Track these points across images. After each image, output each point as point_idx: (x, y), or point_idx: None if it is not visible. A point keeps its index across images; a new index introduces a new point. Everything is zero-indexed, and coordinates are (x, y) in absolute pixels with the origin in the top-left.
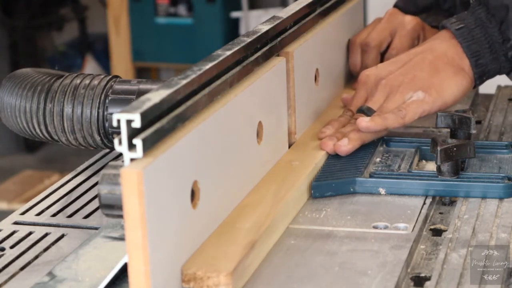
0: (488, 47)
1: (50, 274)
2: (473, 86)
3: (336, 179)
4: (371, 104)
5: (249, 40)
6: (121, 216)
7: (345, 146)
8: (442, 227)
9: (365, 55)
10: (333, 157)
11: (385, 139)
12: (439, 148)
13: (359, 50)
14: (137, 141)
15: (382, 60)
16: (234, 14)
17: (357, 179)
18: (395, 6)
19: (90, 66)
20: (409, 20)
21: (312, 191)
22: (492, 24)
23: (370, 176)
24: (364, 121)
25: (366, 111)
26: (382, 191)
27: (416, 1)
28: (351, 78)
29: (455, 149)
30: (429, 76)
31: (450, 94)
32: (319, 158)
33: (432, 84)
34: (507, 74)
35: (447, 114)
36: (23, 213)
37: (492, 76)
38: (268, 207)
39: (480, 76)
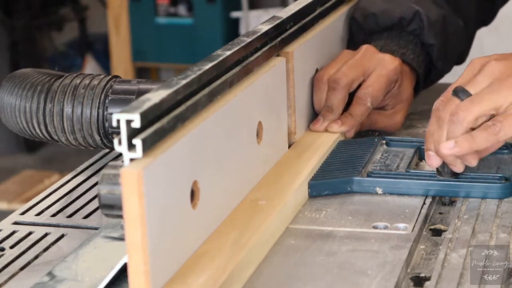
0: None
1: (50, 274)
2: None
3: (333, 178)
4: (470, 87)
5: (249, 40)
6: (121, 216)
7: (451, 149)
8: (442, 227)
9: (332, 93)
10: (331, 156)
11: (385, 138)
12: None
13: (325, 87)
14: (137, 141)
15: (350, 100)
16: (234, 14)
17: (354, 178)
18: (353, 18)
19: (90, 66)
20: (390, 60)
21: (309, 190)
22: None
23: (368, 176)
24: (447, 148)
25: (460, 94)
26: (379, 190)
27: (377, 19)
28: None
29: None
30: None
31: None
32: (290, 195)
33: None
34: None
35: None
36: (23, 213)
37: None
38: (226, 258)
39: None
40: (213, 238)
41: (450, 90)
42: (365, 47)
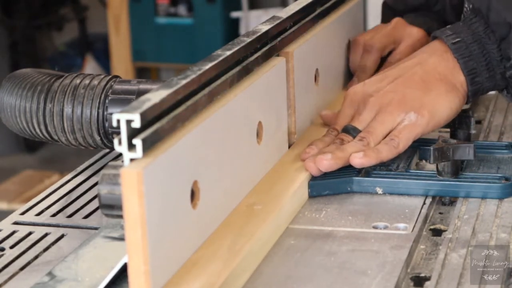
0: (485, 64)
1: (50, 274)
2: (465, 103)
3: (333, 178)
4: (358, 123)
5: (249, 40)
6: (121, 216)
7: (327, 160)
8: (442, 227)
9: (367, 55)
10: None
11: None
12: (432, 148)
13: (361, 50)
14: (137, 141)
15: (381, 65)
16: (234, 14)
17: (354, 178)
18: (384, 3)
19: (90, 66)
20: (417, 32)
21: (309, 190)
22: (491, 40)
23: (368, 176)
24: (357, 158)
25: (352, 131)
26: (379, 190)
27: (406, 1)
28: (350, 78)
29: (451, 149)
30: (421, 95)
31: (442, 113)
32: (285, 200)
33: (424, 104)
34: (500, 91)
35: None
36: (23, 213)
37: (485, 93)
38: (220, 265)
39: (474, 94)
40: (208, 243)
41: (339, 124)
42: (396, 20)
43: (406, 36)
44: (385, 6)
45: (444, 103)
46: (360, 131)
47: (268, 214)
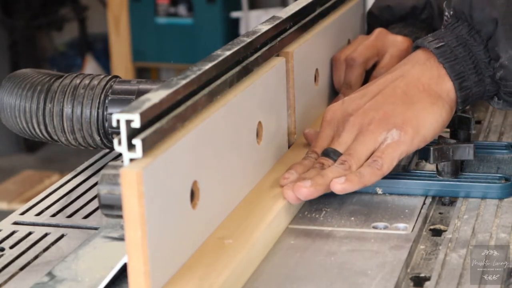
0: (473, 67)
1: (50, 274)
2: (453, 114)
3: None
4: (338, 145)
5: (249, 40)
6: (120, 216)
7: (306, 187)
8: (442, 227)
9: (350, 70)
10: None
11: None
12: (432, 148)
13: (343, 66)
14: (137, 141)
15: (367, 79)
16: (234, 14)
17: None
18: (369, 13)
19: (90, 66)
20: (402, 41)
21: None
22: (477, 41)
23: None
24: (338, 183)
25: (332, 155)
26: (379, 190)
27: (392, 10)
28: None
29: (451, 149)
30: (403, 110)
31: (428, 128)
32: (258, 233)
33: (407, 120)
34: (490, 99)
35: None
36: (23, 213)
37: (474, 101)
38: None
39: (463, 101)
40: (176, 278)
41: (318, 146)
42: (378, 30)
43: (390, 46)
44: (370, 16)
45: (429, 117)
46: (340, 154)
47: (241, 248)
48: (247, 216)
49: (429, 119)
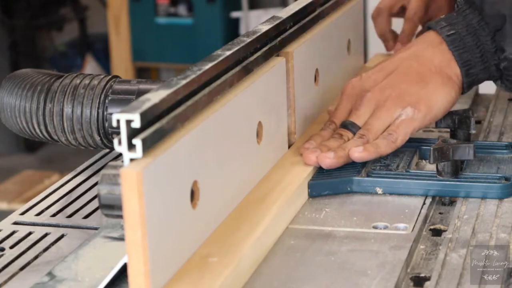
0: (480, 56)
1: (50, 274)
2: (461, 94)
3: (333, 178)
4: (355, 119)
5: (249, 40)
6: (121, 216)
7: (330, 158)
8: (442, 227)
9: (377, 19)
10: None
11: None
12: (432, 148)
13: (378, 17)
14: (137, 141)
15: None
16: (234, 14)
17: (354, 178)
18: None
19: (90, 66)
20: None
21: (309, 190)
22: (485, 32)
23: (368, 176)
24: (357, 152)
25: (350, 127)
26: (379, 190)
27: None
28: (350, 78)
29: (451, 149)
30: (417, 89)
31: (439, 106)
32: (246, 251)
33: (421, 98)
34: (494, 81)
35: (447, 113)
36: (23, 213)
37: (479, 83)
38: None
39: (469, 85)
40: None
41: (337, 118)
42: None
43: None
44: None
45: (440, 96)
46: (358, 126)
47: (225, 267)
48: (233, 232)
49: (441, 99)
